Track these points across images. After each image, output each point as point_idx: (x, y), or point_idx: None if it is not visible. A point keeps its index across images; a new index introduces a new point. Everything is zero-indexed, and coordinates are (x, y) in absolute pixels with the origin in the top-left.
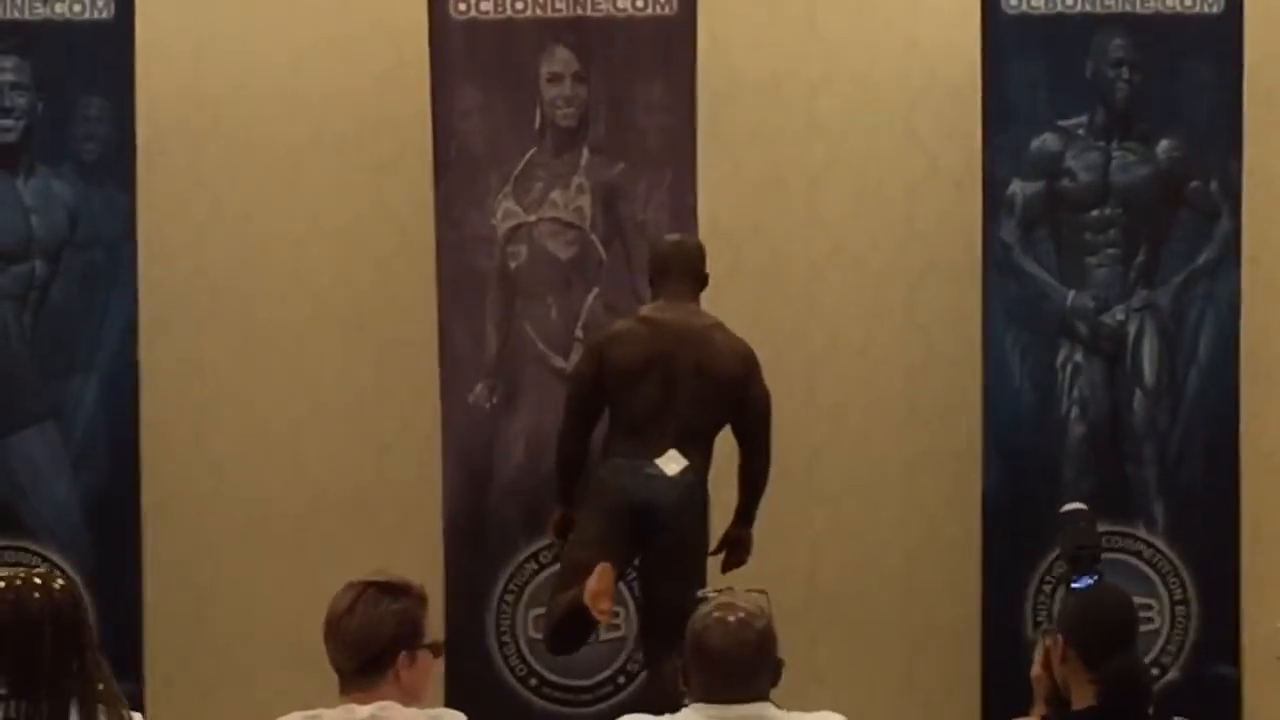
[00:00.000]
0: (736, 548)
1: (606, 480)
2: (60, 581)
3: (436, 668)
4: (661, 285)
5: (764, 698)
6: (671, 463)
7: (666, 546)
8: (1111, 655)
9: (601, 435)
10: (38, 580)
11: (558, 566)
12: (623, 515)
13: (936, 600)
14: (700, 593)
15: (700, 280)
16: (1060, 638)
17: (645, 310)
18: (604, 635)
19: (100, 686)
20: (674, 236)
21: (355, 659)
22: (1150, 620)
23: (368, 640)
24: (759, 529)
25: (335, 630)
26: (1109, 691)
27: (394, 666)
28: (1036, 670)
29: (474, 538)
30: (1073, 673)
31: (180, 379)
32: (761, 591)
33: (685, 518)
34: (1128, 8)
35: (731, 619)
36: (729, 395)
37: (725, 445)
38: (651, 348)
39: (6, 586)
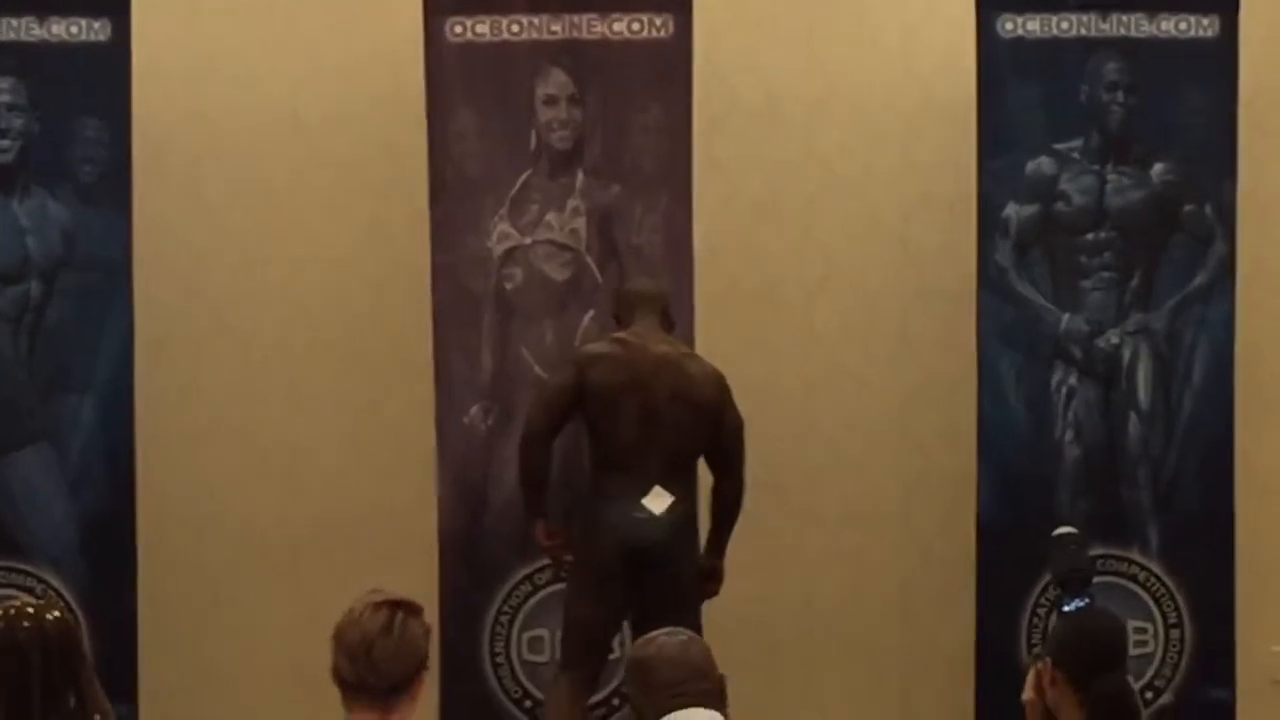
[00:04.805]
0: (710, 579)
1: (597, 524)
2: (55, 613)
3: (430, 687)
4: (630, 319)
5: (716, 708)
6: (658, 500)
7: (663, 580)
8: (1098, 677)
9: (562, 461)
10: (30, 610)
11: (557, 587)
12: (616, 560)
13: (932, 624)
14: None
15: (666, 320)
16: (1049, 661)
17: (623, 334)
18: None
19: (97, 717)
20: (639, 280)
21: (391, 678)
22: (1145, 644)
23: (407, 659)
24: (756, 551)
25: (369, 650)
26: (1097, 713)
27: (416, 684)
28: (1028, 694)
29: (469, 559)
30: (1061, 696)
31: (177, 400)
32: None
33: (676, 551)
34: (1123, 32)
35: (672, 638)
36: (705, 421)
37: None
38: (630, 371)
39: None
